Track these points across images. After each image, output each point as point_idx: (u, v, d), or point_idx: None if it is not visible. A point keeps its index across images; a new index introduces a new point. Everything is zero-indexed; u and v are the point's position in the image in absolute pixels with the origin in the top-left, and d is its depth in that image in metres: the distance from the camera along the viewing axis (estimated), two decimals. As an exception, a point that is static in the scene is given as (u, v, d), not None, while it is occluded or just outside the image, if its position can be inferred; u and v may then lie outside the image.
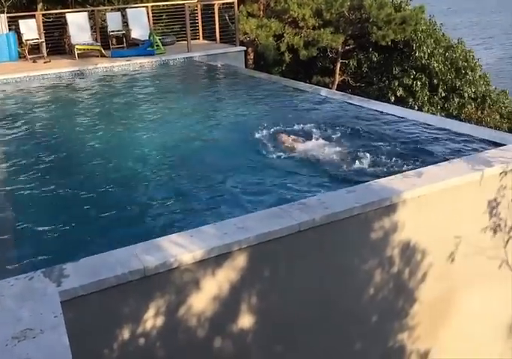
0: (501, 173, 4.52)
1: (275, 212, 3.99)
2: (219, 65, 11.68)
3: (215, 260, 3.53)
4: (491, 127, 18.32)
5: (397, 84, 18.72)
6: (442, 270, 4.49)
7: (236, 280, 3.65)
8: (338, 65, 18.95)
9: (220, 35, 13.95)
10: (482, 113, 18.93)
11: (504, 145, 5.14)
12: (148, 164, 5.97)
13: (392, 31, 16.69)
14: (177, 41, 13.83)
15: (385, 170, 5.10)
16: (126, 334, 3.31)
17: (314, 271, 3.99)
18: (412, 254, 4.31)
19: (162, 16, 14.69)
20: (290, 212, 3.94)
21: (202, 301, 3.56)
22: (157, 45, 12.39)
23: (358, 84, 19.98)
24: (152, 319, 3.37)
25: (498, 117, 19.11)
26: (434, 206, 4.36)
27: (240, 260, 3.64)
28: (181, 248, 3.47)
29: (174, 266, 3.39)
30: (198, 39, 14.40)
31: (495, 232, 4.65)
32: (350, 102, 7.85)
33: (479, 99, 19.37)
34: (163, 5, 14.50)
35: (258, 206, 4.47)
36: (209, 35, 14.57)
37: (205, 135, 6.83)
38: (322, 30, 16.88)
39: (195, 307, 3.52)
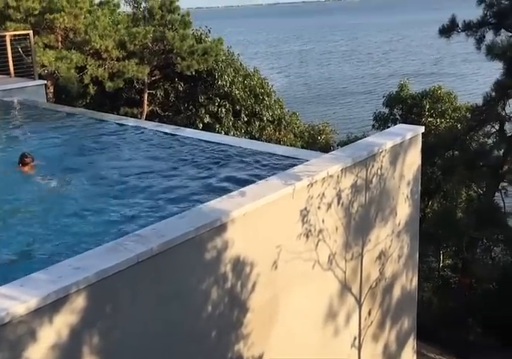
0: (308, 185, 5.04)
1: (111, 246, 3.87)
2: (15, 101, 10.81)
3: (52, 306, 3.28)
4: (287, 145, 20.15)
5: (203, 111, 19.47)
6: (267, 277, 4.83)
7: (75, 323, 3.44)
8: (146, 95, 19.05)
9: (14, 68, 13.01)
10: (280, 134, 20.70)
11: (307, 160, 5.73)
12: None
13: (196, 62, 17.34)
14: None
15: None
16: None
17: (154, 300, 3.95)
18: (243, 268, 4.56)
19: None
20: (125, 245, 3.85)
21: (39, 352, 3.28)
22: None
23: (166, 113, 20.29)
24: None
25: (292, 136, 21.12)
26: (258, 221, 4.68)
27: (79, 302, 3.44)
28: (12, 300, 3.17)
29: (6, 321, 3.09)
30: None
31: (307, 237, 5.15)
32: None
33: (276, 122, 21.17)
34: None
35: None
36: (1, 69, 13.48)
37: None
38: (126, 61, 16.81)
39: (32, 360, 3.23)
